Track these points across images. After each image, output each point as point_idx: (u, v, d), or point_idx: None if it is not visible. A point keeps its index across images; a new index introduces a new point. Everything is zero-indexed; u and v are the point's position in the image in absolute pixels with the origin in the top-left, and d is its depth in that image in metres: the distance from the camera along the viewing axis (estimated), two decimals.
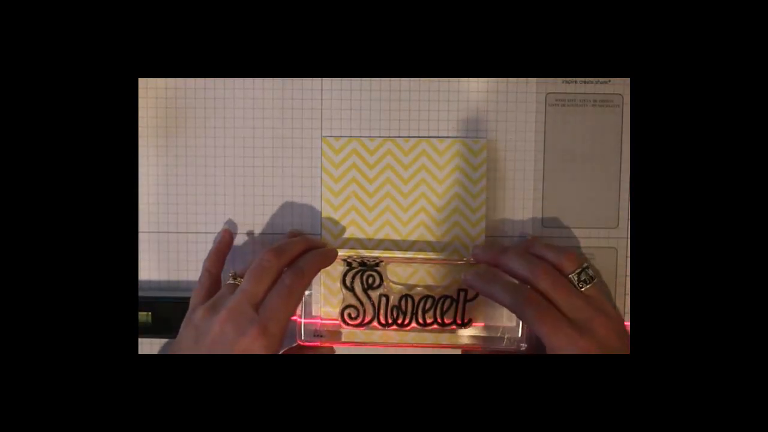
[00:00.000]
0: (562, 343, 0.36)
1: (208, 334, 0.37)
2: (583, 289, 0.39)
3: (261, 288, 0.39)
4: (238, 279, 0.40)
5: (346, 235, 0.46)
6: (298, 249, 0.42)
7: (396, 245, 0.46)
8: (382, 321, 0.45)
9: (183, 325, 0.40)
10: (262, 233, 0.47)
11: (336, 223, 0.46)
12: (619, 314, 0.40)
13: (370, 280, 0.46)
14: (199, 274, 0.44)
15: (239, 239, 0.47)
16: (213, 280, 0.43)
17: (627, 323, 0.43)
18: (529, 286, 0.40)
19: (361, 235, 0.46)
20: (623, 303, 0.47)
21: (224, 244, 0.45)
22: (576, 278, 0.40)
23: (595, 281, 0.40)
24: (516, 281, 0.41)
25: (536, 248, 0.42)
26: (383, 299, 0.45)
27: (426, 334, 0.45)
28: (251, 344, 0.36)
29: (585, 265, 0.40)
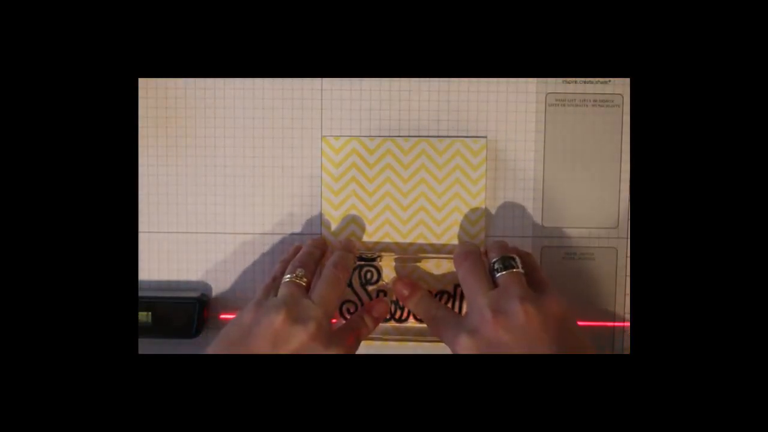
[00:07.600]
0: (457, 348, 0.38)
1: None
2: (498, 276, 0.39)
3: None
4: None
5: (346, 234, 0.46)
6: (351, 260, 0.44)
7: (396, 244, 0.46)
8: None
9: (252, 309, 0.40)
10: (262, 233, 0.47)
11: (336, 222, 0.46)
12: (533, 308, 0.37)
13: (368, 276, 0.46)
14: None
15: (239, 239, 0.47)
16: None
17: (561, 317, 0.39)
18: (437, 301, 0.43)
19: (361, 235, 0.46)
20: (623, 303, 0.47)
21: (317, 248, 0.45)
22: (492, 266, 0.40)
23: (513, 270, 0.39)
24: (432, 296, 0.44)
25: (489, 243, 0.44)
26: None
27: (423, 329, 0.46)
28: (318, 326, 0.38)
29: (509, 255, 0.40)
